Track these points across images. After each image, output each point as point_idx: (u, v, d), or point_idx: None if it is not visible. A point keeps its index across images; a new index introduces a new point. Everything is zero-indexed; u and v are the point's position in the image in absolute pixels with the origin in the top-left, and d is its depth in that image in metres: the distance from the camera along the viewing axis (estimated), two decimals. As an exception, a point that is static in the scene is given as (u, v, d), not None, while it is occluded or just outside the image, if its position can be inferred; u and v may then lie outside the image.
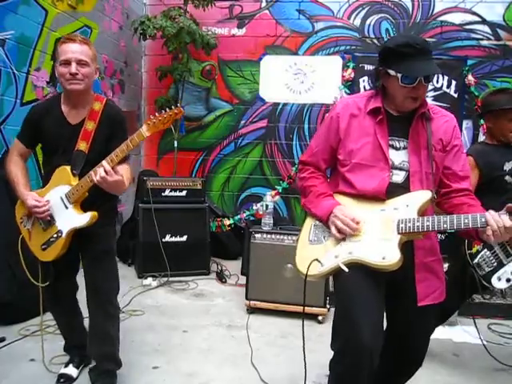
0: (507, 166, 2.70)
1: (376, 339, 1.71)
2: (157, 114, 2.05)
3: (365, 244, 1.76)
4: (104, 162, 2.07)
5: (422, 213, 1.77)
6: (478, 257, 2.61)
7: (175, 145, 5.04)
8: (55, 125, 2.26)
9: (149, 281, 4.15)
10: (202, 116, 5.44)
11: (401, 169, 1.84)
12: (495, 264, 2.59)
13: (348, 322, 1.73)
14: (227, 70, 5.39)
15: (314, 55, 5.29)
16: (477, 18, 5.03)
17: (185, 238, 4.46)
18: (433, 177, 1.83)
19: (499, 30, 5.02)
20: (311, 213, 1.96)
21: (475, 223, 1.64)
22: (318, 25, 5.24)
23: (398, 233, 1.72)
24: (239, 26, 5.31)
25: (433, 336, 2.96)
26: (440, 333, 3.19)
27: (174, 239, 4.41)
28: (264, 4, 5.30)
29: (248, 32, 5.31)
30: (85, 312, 2.49)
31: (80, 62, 2.17)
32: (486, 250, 2.60)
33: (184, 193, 4.54)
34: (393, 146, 1.85)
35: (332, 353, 1.83)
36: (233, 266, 4.65)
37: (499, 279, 2.59)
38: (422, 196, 1.78)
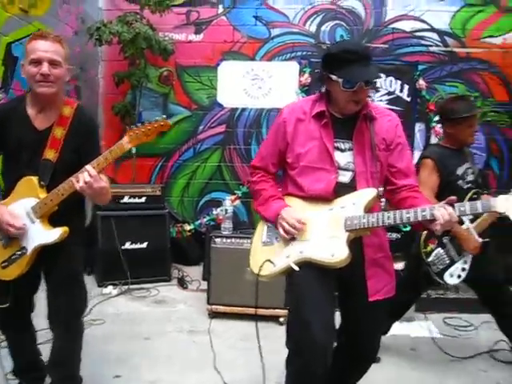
0: (459, 171, 2.82)
1: (328, 336, 1.77)
2: (139, 124, 1.92)
3: (315, 243, 1.84)
4: (88, 167, 1.90)
5: (369, 210, 1.85)
6: (433, 255, 2.72)
7: (133, 151, 4.98)
8: (19, 129, 2.05)
9: (109, 289, 4.09)
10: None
11: (347, 169, 1.91)
12: (448, 261, 2.72)
13: (300, 321, 1.78)
14: (185, 76, 5.37)
15: (271, 61, 5.34)
16: (426, 26, 5.23)
17: (145, 244, 4.41)
18: (378, 175, 1.91)
19: (446, 38, 5.24)
20: (261, 215, 2.03)
21: (416, 217, 1.72)
22: (275, 31, 5.31)
23: (346, 230, 1.80)
24: (196, 32, 5.31)
25: (391, 332, 3.11)
26: (398, 329, 3.29)
27: (133, 246, 4.36)
28: (221, 10, 5.32)
29: (205, 38, 5.31)
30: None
31: (52, 62, 1.98)
32: (439, 248, 2.73)
33: (143, 199, 4.50)
34: (338, 148, 1.92)
35: (292, 352, 1.87)
36: (194, 272, 4.64)
37: (451, 276, 2.72)
38: (367, 194, 1.86)
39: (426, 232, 2.70)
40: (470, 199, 2.71)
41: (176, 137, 5.42)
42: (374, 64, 1.88)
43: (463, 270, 2.73)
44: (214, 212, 5.23)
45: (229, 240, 3.64)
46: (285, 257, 1.86)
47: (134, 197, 4.46)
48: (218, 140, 5.44)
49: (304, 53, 5.29)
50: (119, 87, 5.06)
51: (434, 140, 5.14)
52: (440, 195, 2.71)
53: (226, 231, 3.78)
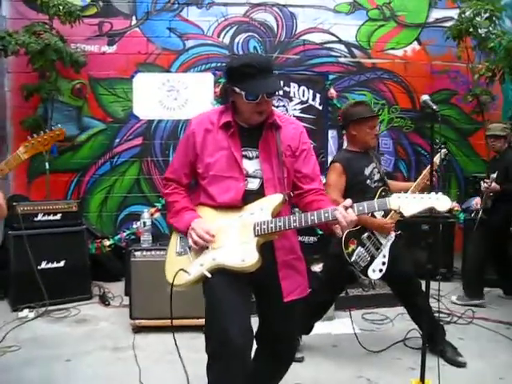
0: (367, 171, 3.04)
1: (246, 340, 1.82)
2: (35, 135, 1.94)
3: (226, 250, 1.89)
4: None
5: (277, 214, 1.92)
6: (354, 255, 2.88)
7: (47, 167, 4.78)
8: None
9: (25, 312, 3.87)
10: (74, 136, 5.19)
11: (255, 177, 1.98)
12: (369, 258, 2.90)
13: (217, 326, 1.81)
14: (99, 88, 5.25)
15: (186, 72, 5.38)
16: (334, 38, 5.53)
17: (62, 263, 4.23)
18: (285, 181, 1.99)
19: (353, 49, 5.59)
20: (174, 227, 2.06)
21: (320, 219, 1.83)
22: (189, 42, 5.36)
23: (255, 235, 1.87)
24: (110, 44, 5.22)
25: (313, 332, 3.23)
26: (320, 328, 3.42)
27: (50, 265, 4.17)
28: (134, 22, 5.28)
29: (119, 49, 5.24)
30: None
31: None
32: (359, 247, 2.89)
33: (58, 216, 4.32)
34: (246, 156, 1.99)
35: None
36: (116, 288, 4.53)
37: (374, 271, 2.91)
38: (274, 199, 1.94)
39: (345, 234, 2.81)
40: (380, 196, 2.93)
41: (91, 151, 5.28)
42: (274, 75, 1.96)
43: (383, 263, 2.93)
44: (134, 226, 5.11)
45: (148, 253, 3.60)
46: (198, 265, 1.89)
47: (49, 214, 4.27)
48: (135, 153, 5.37)
49: (219, 64, 5.38)
50: (29, 100, 4.85)
51: (345, 146, 5.41)
52: (351, 195, 2.88)
53: (146, 244, 3.74)
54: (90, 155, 5.27)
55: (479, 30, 5.02)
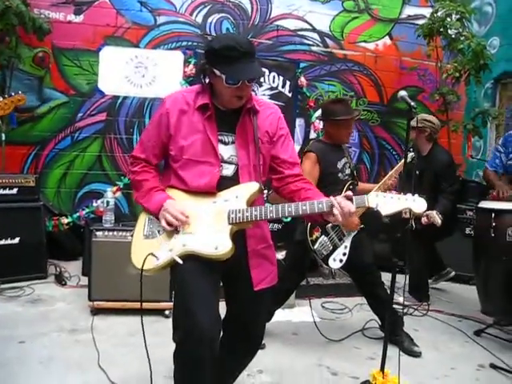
0: (339, 165, 3.09)
1: (214, 327, 1.80)
2: None
3: (198, 236, 1.84)
4: None
5: (251, 203, 1.90)
6: (318, 243, 2.93)
7: (3, 138, 4.56)
8: None
9: (-26, 290, 3.72)
10: (34, 107, 4.98)
11: (230, 163, 1.93)
12: (331, 248, 2.96)
13: (185, 312, 1.78)
14: (63, 59, 5.04)
15: (155, 49, 5.25)
16: (308, 26, 5.53)
17: (17, 240, 4.07)
18: (261, 168, 1.96)
19: (326, 39, 5.60)
20: (144, 207, 1.98)
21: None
22: (161, 18, 5.22)
23: (229, 223, 1.84)
24: (76, 13, 5.00)
25: (274, 319, 3.26)
26: (281, 315, 3.46)
27: (3, 242, 4.00)
28: (104, -9, 5.09)
29: (86, 20, 5.03)
30: None
31: None
32: (323, 236, 2.95)
33: (15, 191, 4.14)
34: (222, 141, 1.94)
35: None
36: (73, 267, 4.42)
37: (334, 260, 2.97)
38: (250, 187, 1.91)
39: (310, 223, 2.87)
40: (347, 189, 2.98)
41: (52, 124, 5.08)
42: (257, 60, 1.89)
43: (344, 254, 2.98)
44: (94, 204, 5.00)
45: (111, 233, 3.52)
46: (168, 250, 1.84)
47: (4, 188, 4.09)
48: (98, 129, 5.22)
49: (190, 43, 5.29)
50: (-15, 66, 4.60)
51: (313, 135, 5.46)
52: (322, 186, 2.91)
53: (108, 224, 3.65)
54: (50, 128, 5.07)
55: (449, 31, 5.13)
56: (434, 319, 3.80)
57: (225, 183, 1.90)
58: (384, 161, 5.95)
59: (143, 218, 1.99)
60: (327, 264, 2.96)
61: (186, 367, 1.82)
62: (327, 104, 3.24)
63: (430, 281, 4.32)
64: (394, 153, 5.94)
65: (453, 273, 4.46)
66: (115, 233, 3.51)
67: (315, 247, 2.92)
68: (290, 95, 5.43)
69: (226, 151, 1.93)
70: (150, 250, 1.85)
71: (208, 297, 1.82)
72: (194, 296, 1.79)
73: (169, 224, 1.85)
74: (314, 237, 2.92)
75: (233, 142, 1.95)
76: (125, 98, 5.23)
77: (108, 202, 3.74)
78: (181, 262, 1.79)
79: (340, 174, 3.07)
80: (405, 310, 3.86)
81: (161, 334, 3.06)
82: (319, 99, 5.51)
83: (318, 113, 5.26)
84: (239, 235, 1.89)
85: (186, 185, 1.92)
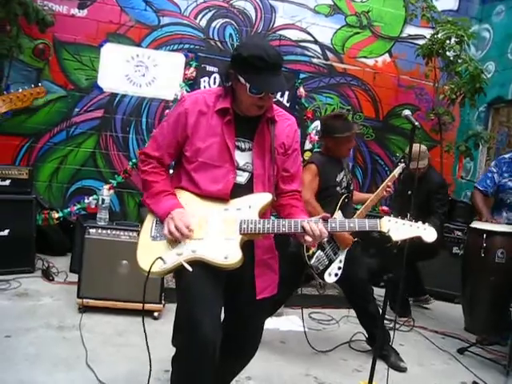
0: (338, 178, 3.12)
1: (217, 333, 1.79)
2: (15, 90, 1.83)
3: (208, 243, 1.83)
4: None
5: (263, 214, 1.90)
6: (314, 258, 2.94)
7: (-4, 128, 4.54)
8: None
9: (-40, 281, 3.67)
10: (30, 98, 4.96)
11: (244, 170, 1.93)
12: (327, 262, 2.98)
13: (190, 320, 1.77)
14: (63, 53, 5.03)
15: (157, 49, 5.27)
16: (310, 38, 5.60)
17: (6, 232, 4.02)
18: (273, 179, 1.96)
19: (327, 52, 5.68)
20: (150, 209, 1.96)
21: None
22: (164, 19, 5.24)
23: (240, 233, 1.83)
24: (80, 7, 5.00)
25: (263, 327, 3.26)
26: (268, 323, 3.46)
27: (-8, 233, 3.97)
28: (109, -12, 5.09)
29: (90, 15, 5.03)
30: None
31: None
32: (319, 250, 2.96)
33: (7, 182, 4.10)
34: (238, 147, 1.93)
35: (172, 349, 1.88)
36: (61, 263, 4.37)
37: (329, 275, 2.99)
38: (263, 198, 1.90)
39: None
40: (343, 202, 3.05)
41: (48, 117, 5.05)
42: (283, 73, 1.89)
43: (339, 268, 3.01)
44: (86, 201, 4.96)
45: (104, 231, 3.50)
46: (176, 254, 1.82)
47: (-3, 179, 4.06)
48: (94, 125, 5.20)
49: (192, 46, 5.31)
50: (-16, 54, 4.56)
51: (308, 146, 5.50)
52: (320, 198, 2.98)
53: (102, 222, 3.64)
54: (45, 121, 5.04)
55: (447, 53, 5.24)
56: (418, 335, 3.86)
57: (238, 191, 1.90)
58: (376, 175, 6.03)
59: (151, 219, 1.96)
60: (323, 278, 2.98)
61: (186, 373, 1.82)
62: (327, 119, 3.25)
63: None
64: (386, 168, 6.02)
65: (432, 302, 4.51)
66: (109, 231, 3.50)
67: (312, 262, 2.92)
68: (287, 105, 5.45)
69: (241, 158, 1.93)
70: (157, 252, 1.84)
71: (212, 303, 1.82)
72: (199, 302, 1.78)
73: (170, 233, 1.83)
74: (311, 252, 2.93)
75: (249, 149, 1.94)
76: (123, 96, 5.22)
77: (103, 200, 3.72)
78: (190, 268, 1.76)
79: (338, 188, 3.10)
80: (391, 325, 3.92)
81: (149, 336, 3.05)
82: (316, 111, 5.57)
83: (315, 124, 5.32)
84: (247, 244, 1.88)
85: (198, 188, 1.90)
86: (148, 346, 1.97)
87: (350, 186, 3.25)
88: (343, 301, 3.71)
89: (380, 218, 1.88)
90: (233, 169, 1.90)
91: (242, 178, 1.93)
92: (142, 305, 3.29)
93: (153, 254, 1.84)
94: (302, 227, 1.81)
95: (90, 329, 3.18)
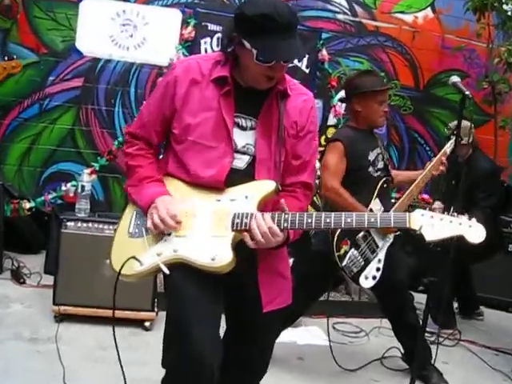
0: (371, 156, 3.06)
1: (215, 350, 1.76)
2: None
3: (193, 241, 1.79)
4: None
5: (263, 206, 1.82)
6: (346, 258, 2.89)
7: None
8: None
9: None
10: (-5, 65, 4.98)
11: (244, 153, 1.88)
12: (362, 263, 2.92)
13: (182, 336, 1.74)
14: (34, 9, 5.02)
15: (148, 4, 5.25)
16: (335, -12, 5.53)
17: (-33, 225, 4.09)
18: (281, 166, 1.89)
19: (356, 6, 5.60)
20: (131, 198, 1.95)
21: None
22: (156, -32, 5.22)
23: (233, 230, 1.78)
24: (52, -46, 4.99)
25: (277, 339, 3.25)
26: (283, 336, 3.46)
27: (-50, 227, 4.02)
28: None
29: (64, -38, 5.02)
30: None
31: None
32: (353, 249, 2.90)
33: (-32, 166, 4.15)
34: (238, 125, 1.88)
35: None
36: (34, 262, 4.45)
37: (366, 278, 2.93)
38: (264, 187, 1.83)
39: (337, 233, 2.82)
40: (381, 189, 2.99)
41: (17, 87, 5.02)
42: (299, 34, 1.80)
43: (378, 269, 2.95)
44: (63, 188, 4.98)
45: (85, 224, 3.53)
46: (155, 254, 1.79)
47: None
48: (73, 96, 5.22)
49: (189, 0, 5.26)
50: None
51: (332, 120, 5.44)
52: (349, 183, 2.92)
53: (82, 213, 3.66)
54: (13, 93, 5.02)
55: (504, 6, 5.14)
56: (465, 351, 3.84)
57: (233, 177, 1.84)
58: (414, 157, 5.97)
59: (131, 212, 1.94)
60: (357, 283, 2.94)
61: None
62: (352, 78, 3.22)
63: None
64: (427, 149, 5.96)
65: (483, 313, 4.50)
66: (90, 224, 3.52)
67: (344, 264, 2.87)
68: (307, 71, 5.39)
69: (241, 138, 1.87)
70: (134, 251, 1.81)
71: (209, 317, 1.79)
72: (193, 316, 1.75)
73: (154, 226, 1.80)
74: (342, 251, 2.86)
75: (252, 128, 1.89)
76: (107, 61, 5.22)
77: (83, 187, 3.75)
78: (167, 271, 1.74)
79: (371, 168, 3.04)
80: (432, 339, 3.90)
81: (138, 350, 3.07)
82: (342, 77, 5.49)
83: (341, 94, 5.26)
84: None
85: (187, 174, 1.86)
86: (122, 366, 1.95)
87: (388, 167, 3.20)
88: (374, 308, 3.69)
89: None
90: (230, 150, 1.85)
91: (241, 162, 1.88)
92: (130, 313, 3.41)
93: (129, 253, 1.81)
94: (245, 223, 1.74)
95: (67, 341, 3.22)
